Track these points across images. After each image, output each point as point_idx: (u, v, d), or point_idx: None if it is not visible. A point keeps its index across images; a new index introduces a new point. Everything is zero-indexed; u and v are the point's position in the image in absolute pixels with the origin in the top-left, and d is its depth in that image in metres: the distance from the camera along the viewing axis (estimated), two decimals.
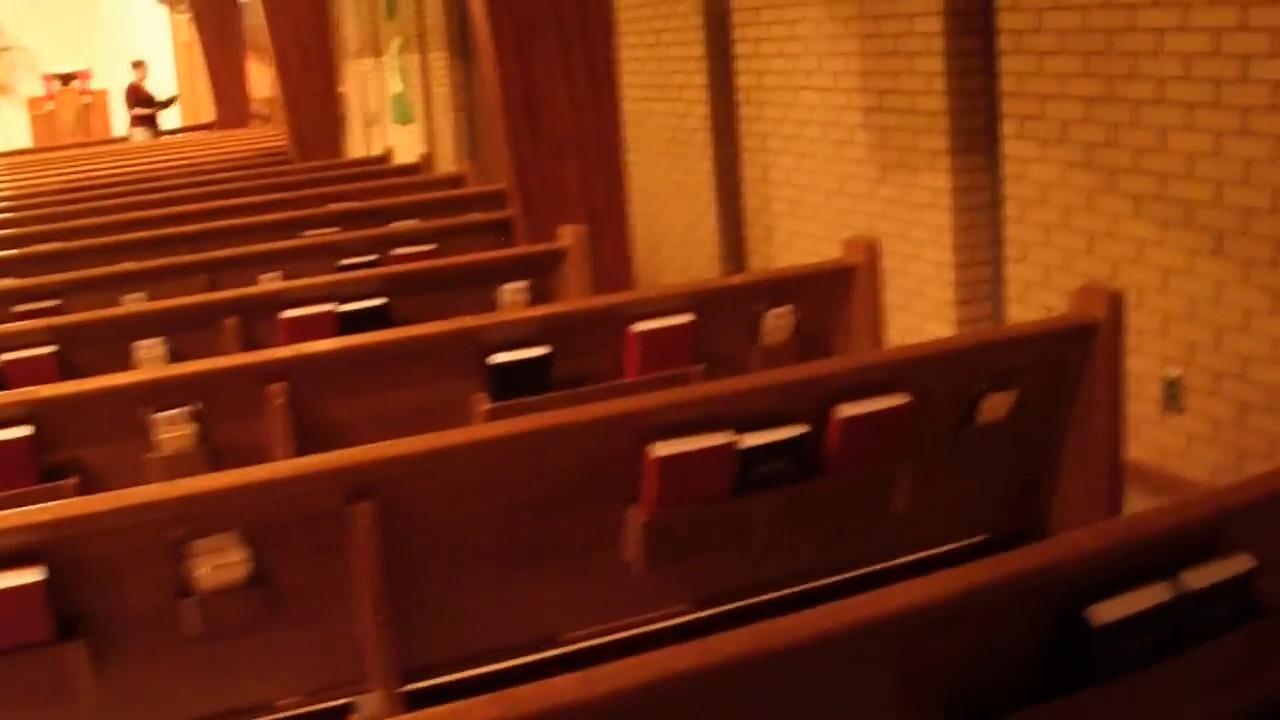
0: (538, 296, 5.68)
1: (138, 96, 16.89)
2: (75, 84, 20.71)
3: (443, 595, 3.23)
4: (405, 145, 14.31)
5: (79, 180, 11.18)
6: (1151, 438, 5.49)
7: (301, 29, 11.73)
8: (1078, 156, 5.65)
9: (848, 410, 3.42)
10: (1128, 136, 5.39)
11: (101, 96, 20.38)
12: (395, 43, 14.42)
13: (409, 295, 5.46)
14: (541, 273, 5.77)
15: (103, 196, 9.80)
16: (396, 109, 14.50)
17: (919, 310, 6.82)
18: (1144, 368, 5.46)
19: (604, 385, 4.43)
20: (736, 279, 4.88)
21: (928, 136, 6.56)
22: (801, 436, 3.32)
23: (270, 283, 6.04)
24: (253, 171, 10.72)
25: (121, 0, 21.25)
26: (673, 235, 9.18)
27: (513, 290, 5.66)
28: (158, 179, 10.61)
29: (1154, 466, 5.47)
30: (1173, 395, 5.36)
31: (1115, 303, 3.72)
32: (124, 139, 17.20)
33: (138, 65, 16.91)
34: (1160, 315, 5.38)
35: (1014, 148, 6.02)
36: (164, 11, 20.39)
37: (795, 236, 7.78)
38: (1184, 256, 5.22)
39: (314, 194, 8.86)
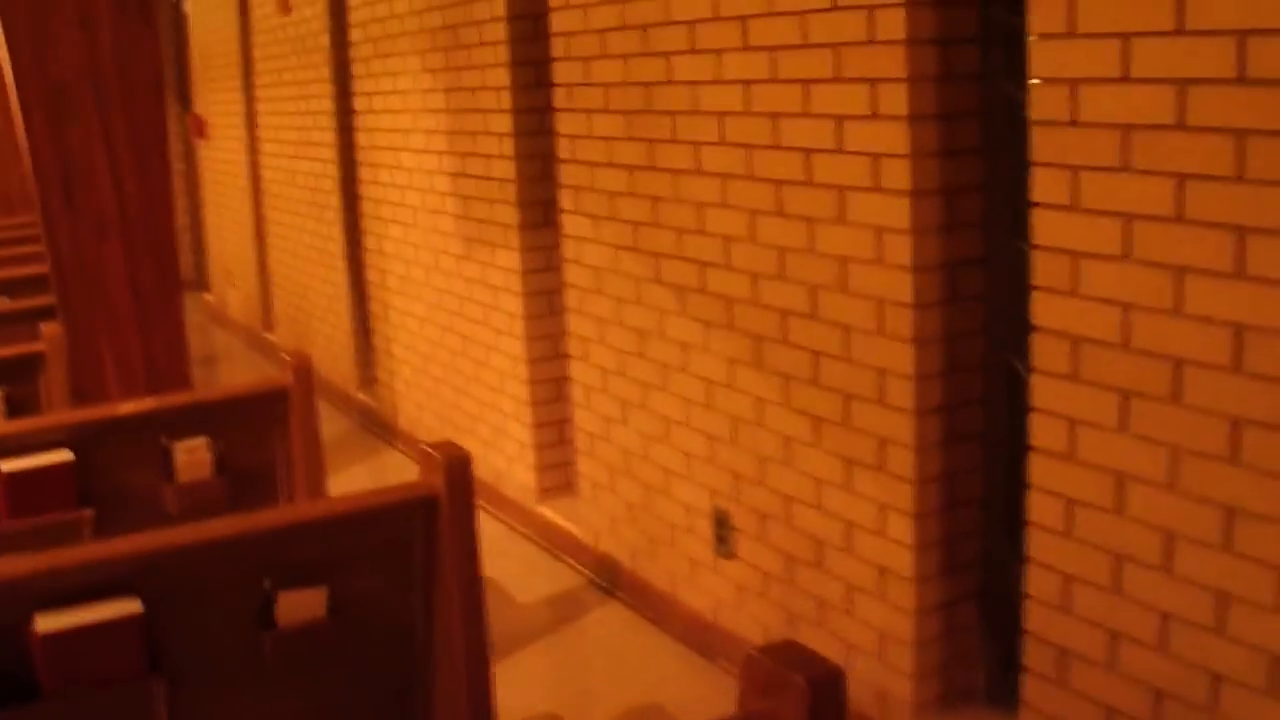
0: (15, 407, 4.82)
1: None
2: None
3: None
4: None
5: None
6: (705, 584, 4.44)
7: None
8: (626, 237, 4.59)
9: (49, 624, 2.59)
10: (669, 214, 4.34)
11: None
12: None
13: None
14: (19, 379, 4.74)
15: None
16: None
17: (502, 410, 5.72)
18: (694, 499, 4.41)
19: None
20: (127, 408, 3.84)
21: (501, 208, 5.49)
22: None
23: None
24: None
25: None
26: (318, 304, 8.03)
27: None
28: None
29: (708, 619, 4.42)
30: (723, 536, 4.29)
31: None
32: None
33: None
34: (705, 437, 4.32)
35: (570, 224, 4.96)
36: None
37: (405, 316, 6.66)
38: (725, 366, 4.17)
39: None
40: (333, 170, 7.36)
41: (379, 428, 7.16)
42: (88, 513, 3.66)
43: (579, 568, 5.22)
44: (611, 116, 4.59)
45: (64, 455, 3.62)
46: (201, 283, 11.70)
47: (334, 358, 7.81)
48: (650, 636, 4.67)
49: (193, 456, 3.74)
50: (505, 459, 5.77)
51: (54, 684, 2.64)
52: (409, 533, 2.90)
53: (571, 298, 5.04)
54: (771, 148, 3.83)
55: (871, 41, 3.41)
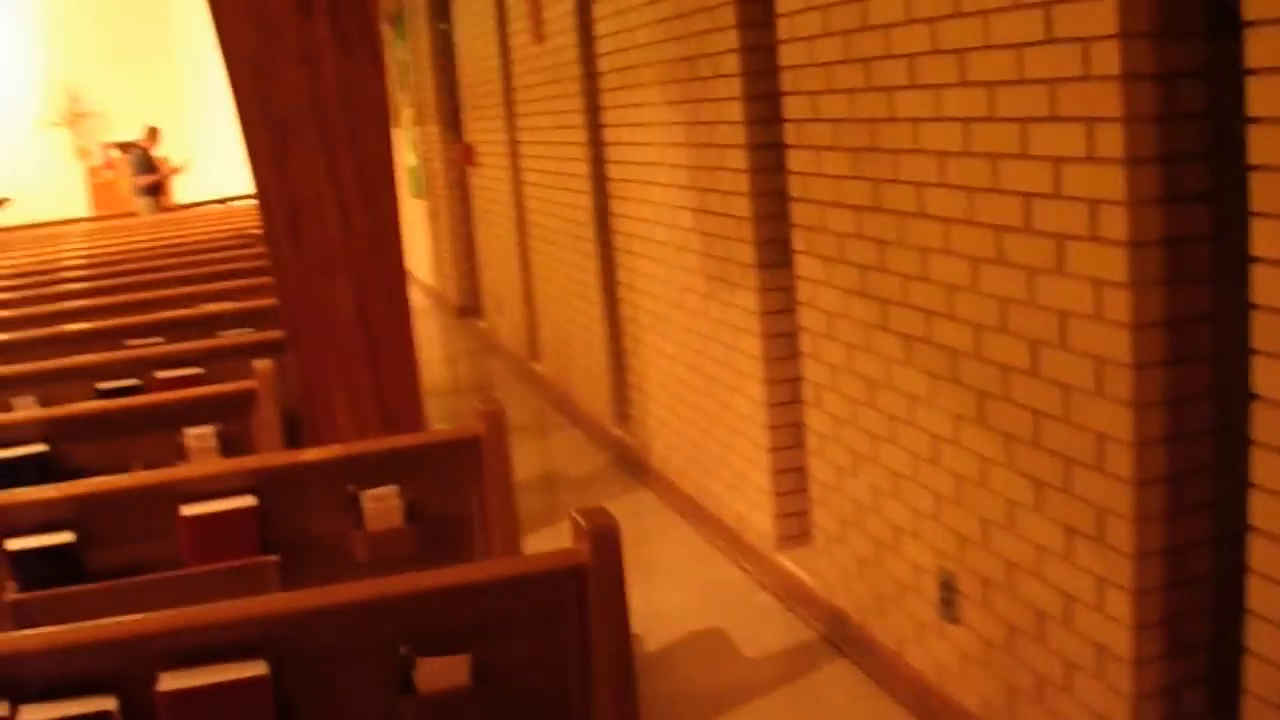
0: (228, 444, 4.86)
1: (143, 164, 16.15)
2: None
3: None
4: (417, 220, 13.50)
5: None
6: (930, 648, 4.20)
7: None
8: (855, 281, 4.40)
9: (174, 683, 2.56)
10: (895, 259, 4.13)
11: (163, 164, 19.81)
12: (407, 114, 13.60)
13: (77, 441, 4.75)
14: (232, 416, 4.82)
15: None
16: (413, 182, 13.68)
17: (743, 454, 5.57)
18: (921, 558, 4.18)
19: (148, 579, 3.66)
20: (311, 454, 3.84)
21: (739, 246, 5.34)
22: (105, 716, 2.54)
23: None
24: (190, 259, 9.79)
25: (200, 68, 20.88)
26: (578, 336, 8.03)
27: (197, 436, 4.80)
28: (74, 267, 9.78)
29: (931, 683, 4.19)
30: (948, 600, 4.05)
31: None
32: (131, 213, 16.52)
33: (151, 132, 16.19)
34: (932, 495, 4.09)
35: (804, 265, 4.78)
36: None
37: (656, 353, 6.58)
38: (950, 421, 3.93)
39: (191, 292, 7.87)
40: (587, 201, 7.34)
41: (632, 465, 7.09)
42: (272, 559, 3.66)
43: (811, 621, 5.02)
44: (839, 154, 4.39)
45: (247, 500, 3.62)
46: (475, 309, 11.88)
47: (592, 392, 7.79)
48: (874, 699, 4.44)
49: (382, 504, 3.70)
50: (746, 504, 5.61)
51: None
52: (557, 602, 2.78)
53: (805, 342, 4.86)
54: (991, 190, 3.58)
55: (1086, 77, 3.14)
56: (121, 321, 6.97)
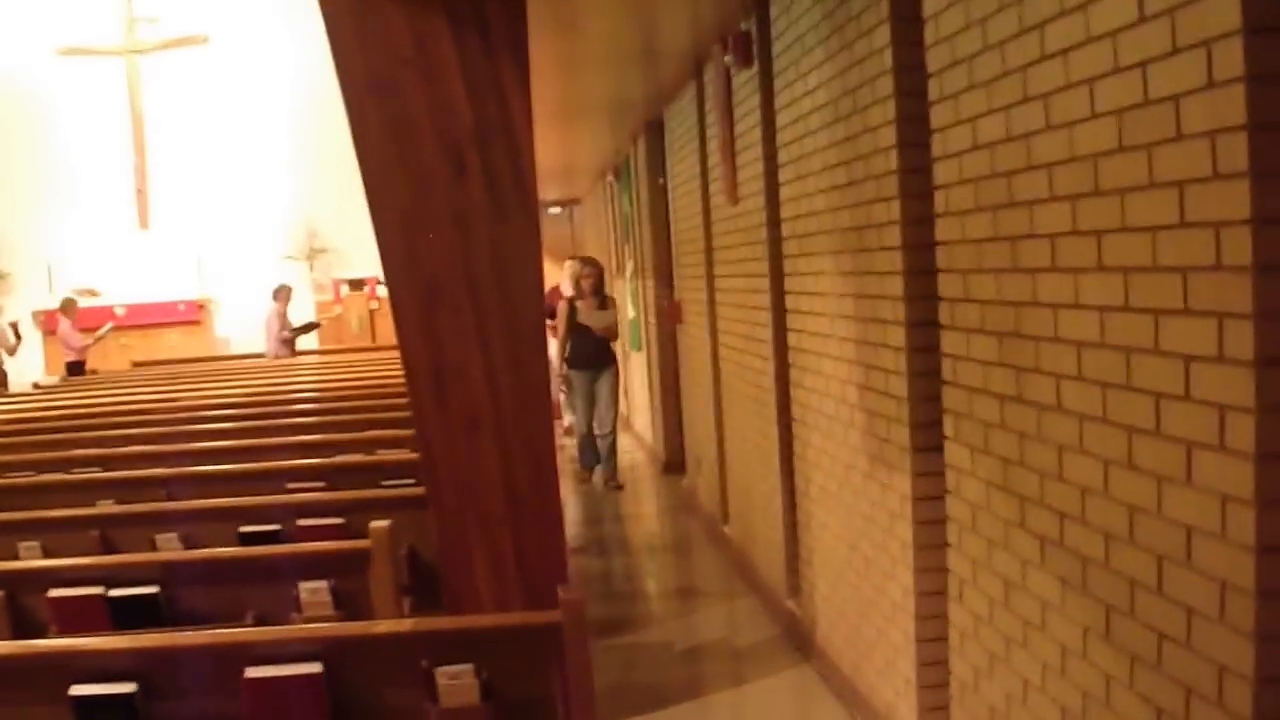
0: (343, 600, 4.81)
1: (279, 324, 16.44)
2: (364, 289, 20.90)
3: None
4: (636, 374, 13.50)
5: (130, 403, 10.64)
6: None
7: None
8: (997, 474, 4.10)
9: None
10: (1034, 454, 3.83)
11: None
12: (629, 266, 13.69)
13: (189, 585, 4.78)
14: (346, 572, 4.75)
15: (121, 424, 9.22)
16: (632, 335, 13.72)
17: (893, 643, 5.25)
18: None
19: None
20: (383, 627, 3.68)
21: (896, 427, 5.08)
22: None
23: (34, 558, 5.32)
24: (332, 404, 9.77)
25: None
26: (759, 503, 7.80)
27: (311, 590, 4.72)
28: (222, 406, 9.91)
29: None
30: None
31: None
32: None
33: (278, 292, 16.50)
34: (1059, 710, 3.73)
35: (952, 453, 4.51)
36: None
37: (823, 529, 6.31)
38: (1079, 634, 3.59)
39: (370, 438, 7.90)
40: (770, 367, 7.15)
41: (800, 640, 6.80)
42: None
43: None
44: (987, 338, 4.13)
45: (312, 667, 3.50)
46: (680, 466, 11.77)
47: (769, 561, 7.54)
48: None
49: (458, 682, 3.53)
50: (893, 693, 5.27)
51: None
52: None
53: (951, 532, 4.56)
54: (1124, 388, 3.27)
55: (1218, 267, 2.84)
56: (282, 464, 6.98)
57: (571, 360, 12.01)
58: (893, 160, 4.90)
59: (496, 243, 4.63)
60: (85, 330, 17.24)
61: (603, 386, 12.06)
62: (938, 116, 4.40)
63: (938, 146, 4.41)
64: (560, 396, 12.78)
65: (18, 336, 16.46)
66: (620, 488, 12.14)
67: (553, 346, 11.19)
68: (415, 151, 4.49)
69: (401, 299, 4.65)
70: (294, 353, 16.22)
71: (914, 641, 5.01)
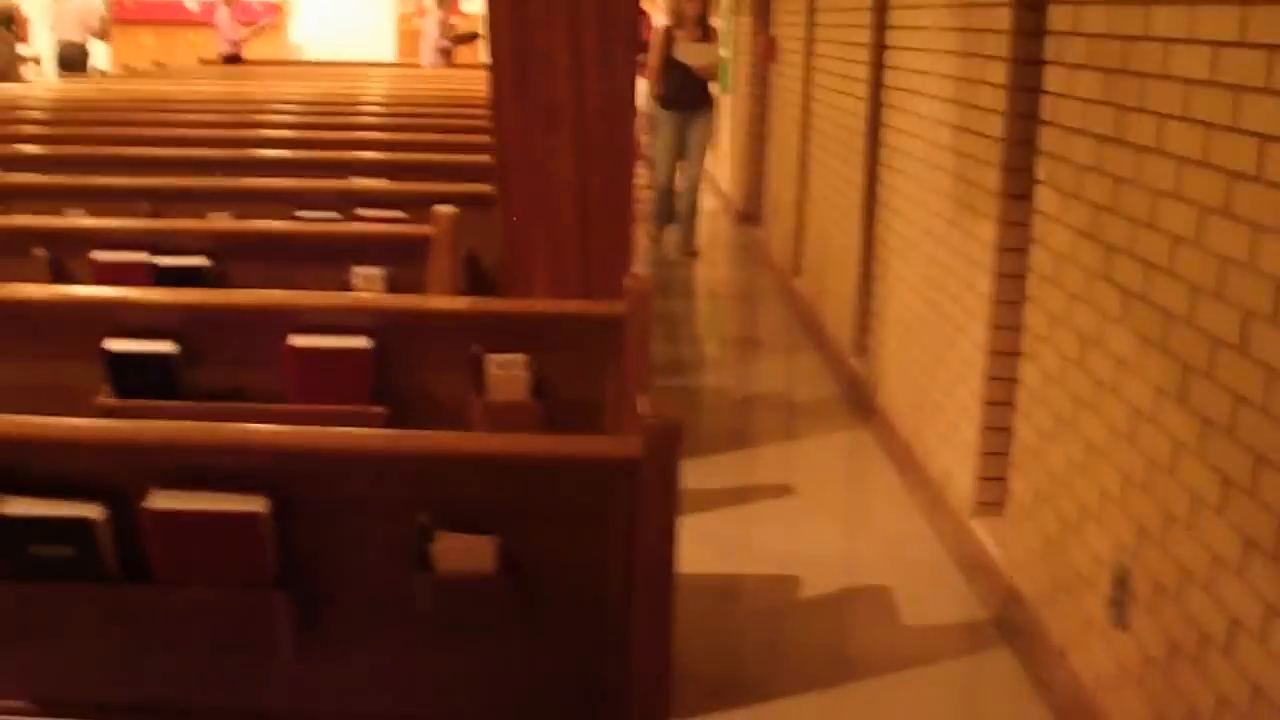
0: (399, 289, 4.54)
1: (438, 31, 15.96)
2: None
3: None
4: (723, 118, 13.04)
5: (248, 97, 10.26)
6: (1093, 652, 3.67)
7: None
8: (1087, 221, 3.83)
9: (164, 502, 2.35)
10: (1129, 200, 3.56)
11: (474, 21, 19.32)
12: (724, 2, 13.14)
13: (240, 259, 4.54)
14: (406, 261, 4.56)
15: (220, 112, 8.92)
16: (722, 76, 13.20)
17: (959, 405, 5.04)
18: (1101, 547, 3.64)
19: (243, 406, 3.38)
20: (439, 303, 3.51)
21: (988, 170, 4.78)
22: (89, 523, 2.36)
23: (79, 218, 5.12)
24: (419, 110, 9.35)
25: None
26: (834, 255, 7.53)
27: (365, 276, 4.56)
28: (329, 106, 9.53)
29: (1086, 694, 3.66)
30: (1119, 600, 3.50)
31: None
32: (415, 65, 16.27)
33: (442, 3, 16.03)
34: (1122, 477, 3.53)
35: (1043, 198, 4.22)
36: None
37: (899, 282, 6.06)
38: (1152, 395, 3.37)
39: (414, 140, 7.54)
40: (862, 109, 6.79)
41: (860, 401, 6.60)
42: (379, 410, 3.36)
43: (987, 598, 4.50)
44: (1092, 73, 3.81)
45: (361, 342, 3.33)
46: (757, 216, 11.42)
47: (838, 316, 7.30)
48: (1023, 701, 3.91)
49: (507, 373, 3.36)
50: (953, 458, 5.09)
51: (165, 570, 2.38)
52: (602, 497, 2.39)
53: (1032, 284, 4.31)
54: (1230, 130, 2.98)
55: None
56: (341, 156, 6.72)
57: (662, 99, 10.52)
58: None
59: None
60: (246, 24, 16.90)
61: (695, 134, 10.55)
62: None
63: None
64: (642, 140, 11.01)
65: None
66: (695, 254, 10.71)
67: (640, 86, 10.48)
68: None
69: None
70: (450, 64, 15.76)
71: (980, 403, 4.79)
